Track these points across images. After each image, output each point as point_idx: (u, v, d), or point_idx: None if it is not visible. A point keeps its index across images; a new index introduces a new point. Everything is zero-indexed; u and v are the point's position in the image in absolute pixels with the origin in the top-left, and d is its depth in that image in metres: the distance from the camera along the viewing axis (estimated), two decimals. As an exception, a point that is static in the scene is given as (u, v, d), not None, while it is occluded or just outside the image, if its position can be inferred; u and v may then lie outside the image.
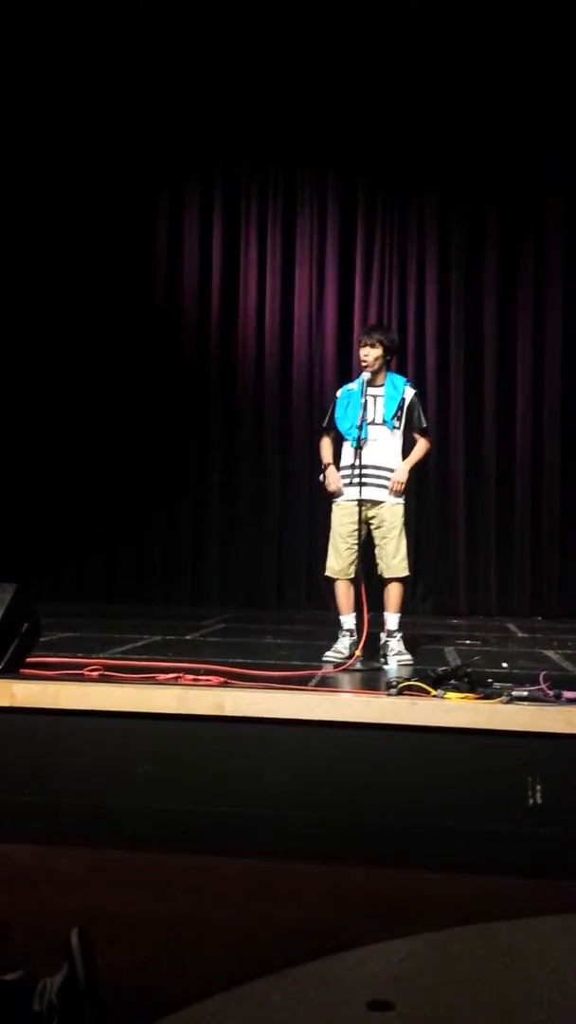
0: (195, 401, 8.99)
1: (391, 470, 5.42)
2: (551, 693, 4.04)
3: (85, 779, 3.98)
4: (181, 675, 4.49)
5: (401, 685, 4.14)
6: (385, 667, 5.17)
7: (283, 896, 3.24)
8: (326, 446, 5.60)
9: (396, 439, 5.50)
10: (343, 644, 5.35)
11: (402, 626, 5.46)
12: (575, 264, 8.69)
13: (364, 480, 5.31)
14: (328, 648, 5.39)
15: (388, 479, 5.40)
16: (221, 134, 8.89)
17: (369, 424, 5.38)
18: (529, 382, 8.68)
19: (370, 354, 5.49)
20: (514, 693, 4.00)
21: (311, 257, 8.95)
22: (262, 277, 9.01)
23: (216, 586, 8.86)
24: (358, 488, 5.30)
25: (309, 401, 8.80)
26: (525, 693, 4.03)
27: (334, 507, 5.52)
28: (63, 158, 8.89)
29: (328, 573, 5.55)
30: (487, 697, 4.00)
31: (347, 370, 8.30)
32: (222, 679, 4.43)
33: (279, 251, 8.98)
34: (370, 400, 5.43)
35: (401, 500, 5.49)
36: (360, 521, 5.32)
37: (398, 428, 5.50)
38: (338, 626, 5.47)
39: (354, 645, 5.24)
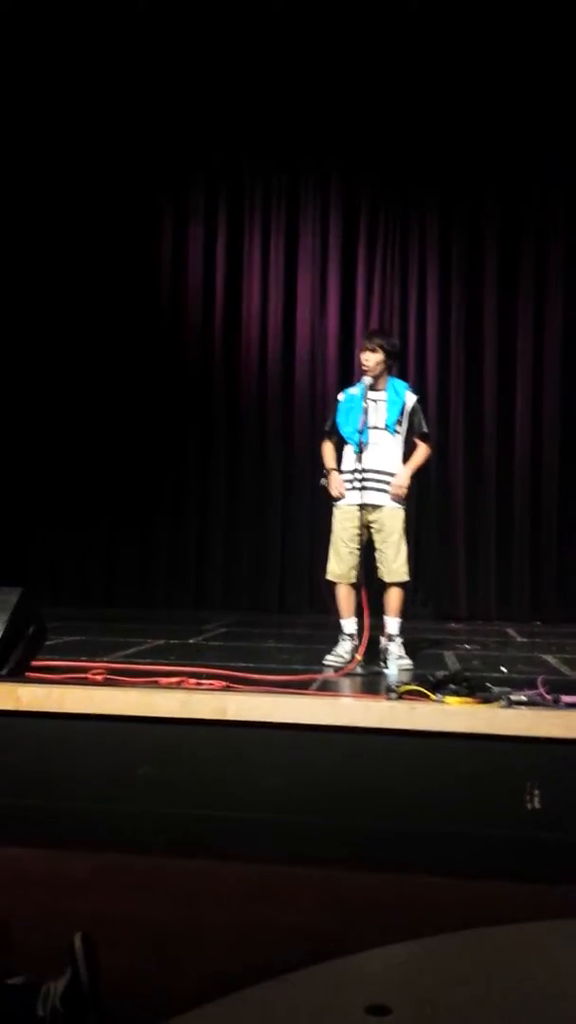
0: (198, 405, 9.03)
1: (392, 474, 5.45)
2: (550, 697, 4.06)
3: (88, 783, 4.01)
4: (184, 679, 4.52)
5: (401, 689, 4.16)
6: (385, 671, 5.19)
7: (283, 900, 3.26)
8: (328, 450, 5.62)
9: (397, 444, 5.53)
10: (344, 648, 5.37)
11: (402, 630, 5.48)
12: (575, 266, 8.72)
13: (365, 484, 5.34)
14: (329, 652, 5.41)
15: (389, 483, 5.43)
16: (224, 138, 8.92)
17: (371, 429, 5.41)
18: (529, 386, 8.71)
19: (371, 359, 5.51)
20: (513, 698, 4.01)
21: (313, 260, 8.98)
22: (265, 279, 9.04)
23: (219, 590, 8.88)
24: (359, 492, 5.33)
25: (311, 404, 8.83)
26: (524, 698, 4.04)
27: (335, 511, 5.54)
28: (67, 162, 8.92)
29: (329, 577, 5.57)
30: (486, 702, 4.02)
31: (349, 373, 8.33)
32: (224, 683, 4.46)
33: (282, 254, 9.01)
34: (371, 405, 5.46)
35: (402, 505, 5.52)
36: (361, 525, 5.35)
37: (399, 433, 5.53)
38: (339, 630, 5.49)
39: (354, 649, 5.27)
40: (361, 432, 5.34)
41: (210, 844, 3.76)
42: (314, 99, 8.65)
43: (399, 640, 5.41)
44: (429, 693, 4.10)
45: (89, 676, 4.57)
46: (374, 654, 5.34)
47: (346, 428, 5.50)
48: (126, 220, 9.00)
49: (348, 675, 5.03)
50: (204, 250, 9.11)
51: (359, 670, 5.05)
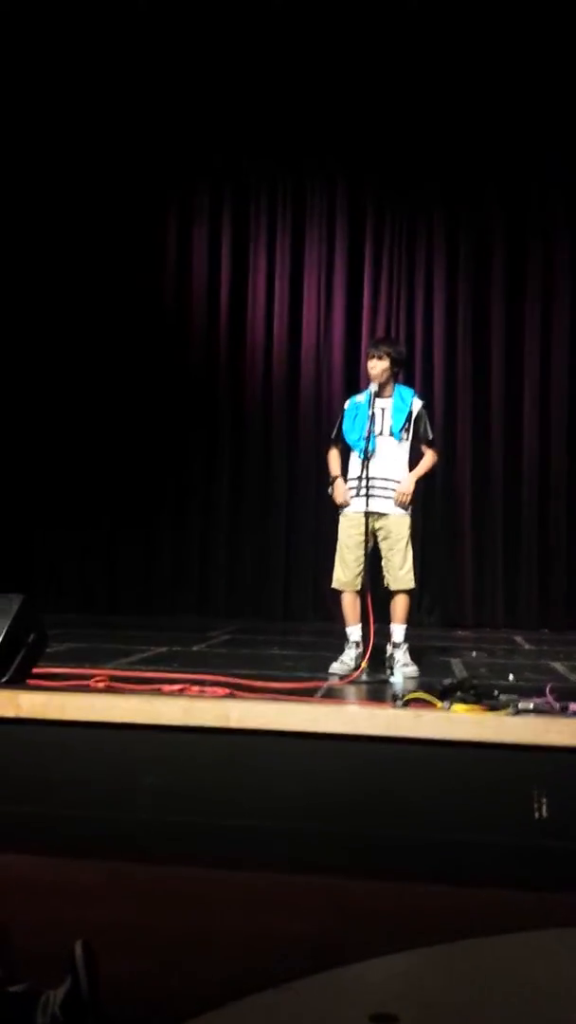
0: (202, 407, 9.02)
1: (398, 481, 5.44)
2: (557, 705, 4.02)
3: (89, 790, 3.98)
4: (187, 686, 4.50)
5: (407, 697, 4.13)
6: (391, 679, 5.16)
7: (287, 908, 3.23)
8: (334, 458, 5.61)
9: (403, 451, 5.51)
10: (349, 656, 5.35)
11: (408, 638, 5.46)
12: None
13: (371, 492, 5.32)
14: (334, 660, 5.38)
15: (395, 490, 5.41)
16: (228, 140, 8.93)
17: (377, 436, 5.40)
18: (537, 392, 8.69)
19: (377, 366, 5.51)
20: (520, 705, 3.98)
21: (319, 262, 8.99)
22: (271, 284, 9.05)
23: (223, 597, 8.86)
24: (365, 499, 5.31)
25: (316, 407, 8.82)
26: (531, 705, 4.00)
27: (341, 519, 5.53)
28: (73, 166, 8.94)
29: (335, 585, 5.55)
30: (493, 709, 3.98)
31: (355, 378, 8.33)
32: (228, 690, 4.43)
33: (288, 259, 9.02)
34: (378, 412, 5.45)
35: (408, 512, 5.49)
36: (367, 532, 5.33)
37: (406, 440, 5.52)
38: (344, 638, 5.47)
39: (360, 657, 5.24)
40: (367, 439, 5.32)
41: (213, 852, 3.73)
42: (317, 101, 8.66)
43: (405, 647, 5.39)
44: (435, 701, 4.07)
45: (91, 683, 4.54)
46: (380, 661, 5.31)
47: (352, 435, 5.50)
48: (131, 222, 9.01)
49: (353, 683, 5.02)
50: (209, 252, 9.12)
51: (364, 677, 5.04)
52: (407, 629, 5.46)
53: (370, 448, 5.34)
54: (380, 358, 5.51)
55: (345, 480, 5.51)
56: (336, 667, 5.31)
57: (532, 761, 3.79)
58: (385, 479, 5.40)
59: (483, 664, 5.97)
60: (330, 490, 5.59)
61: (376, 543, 5.48)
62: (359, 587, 5.40)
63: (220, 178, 9.09)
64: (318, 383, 8.90)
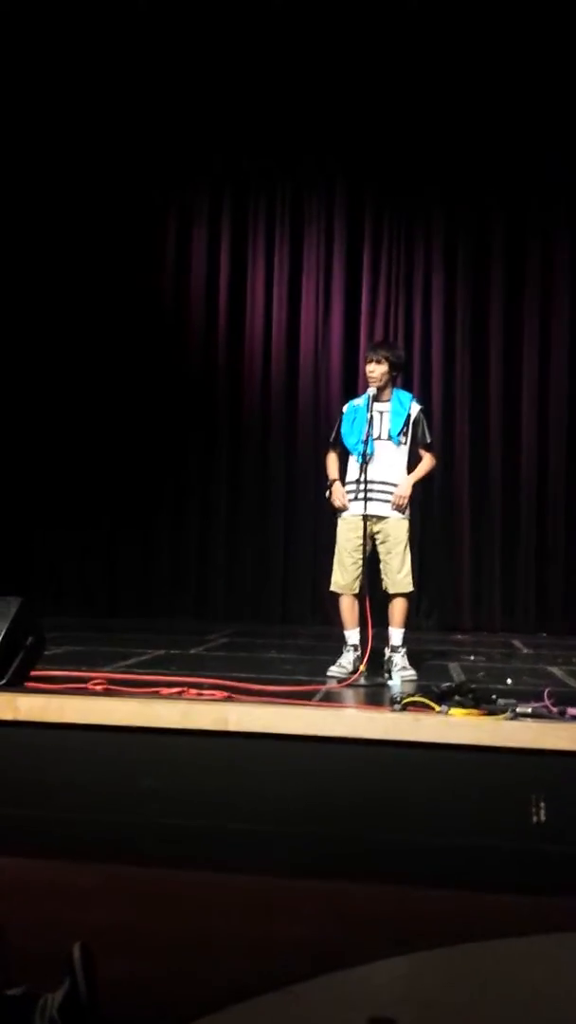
0: (200, 409, 9.00)
1: (396, 485, 5.43)
2: (555, 710, 4.03)
3: (88, 793, 3.98)
4: (185, 689, 4.49)
5: (405, 701, 4.13)
6: (389, 683, 5.15)
7: (286, 913, 3.23)
8: (332, 461, 5.61)
9: (402, 454, 5.51)
10: (347, 659, 5.34)
11: (406, 641, 5.45)
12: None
13: (369, 495, 5.33)
14: (332, 663, 5.38)
15: (393, 494, 5.41)
16: (228, 145, 8.92)
17: (375, 439, 5.40)
18: (535, 396, 8.67)
19: (376, 370, 5.50)
20: (518, 710, 3.98)
21: (318, 265, 8.97)
22: (269, 286, 9.03)
23: (221, 599, 8.85)
24: (363, 503, 5.31)
25: (315, 409, 8.81)
26: (529, 710, 4.01)
27: (340, 522, 5.53)
28: (72, 167, 8.94)
29: (333, 588, 5.55)
30: (491, 714, 3.99)
31: (353, 381, 8.32)
32: (226, 694, 4.43)
33: (287, 261, 9.01)
34: (376, 415, 5.45)
35: (406, 515, 5.49)
36: (365, 536, 5.33)
37: (404, 444, 5.51)
38: (342, 641, 5.46)
39: (358, 660, 5.24)
40: (366, 443, 5.33)
41: (212, 856, 3.73)
42: (316, 103, 8.64)
43: (403, 651, 5.38)
44: (434, 704, 4.07)
45: (89, 686, 4.54)
46: (378, 665, 5.31)
47: (350, 439, 5.50)
48: (130, 223, 9.01)
49: (352, 686, 5.00)
50: (208, 253, 9.11)
51: (363, 681, 5.03)
52: (405, 633, 5.45)
53: (368, 452, 5.34)
54: (379, 362, 5.51)
55: (344, 484, 5.51)
56: (334, 670, 5.30)
57: (530, 765, 3.79)
58: (383, 483, 5.40)
59: (481, 668, 5.97)
60: (328, 494, 5.59)
61: (375, 547, 5.48)
62: (357, 590, 5.40)
63: (220, 180, 9.08)
64: (316, 386, 8.90)
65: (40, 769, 4.08)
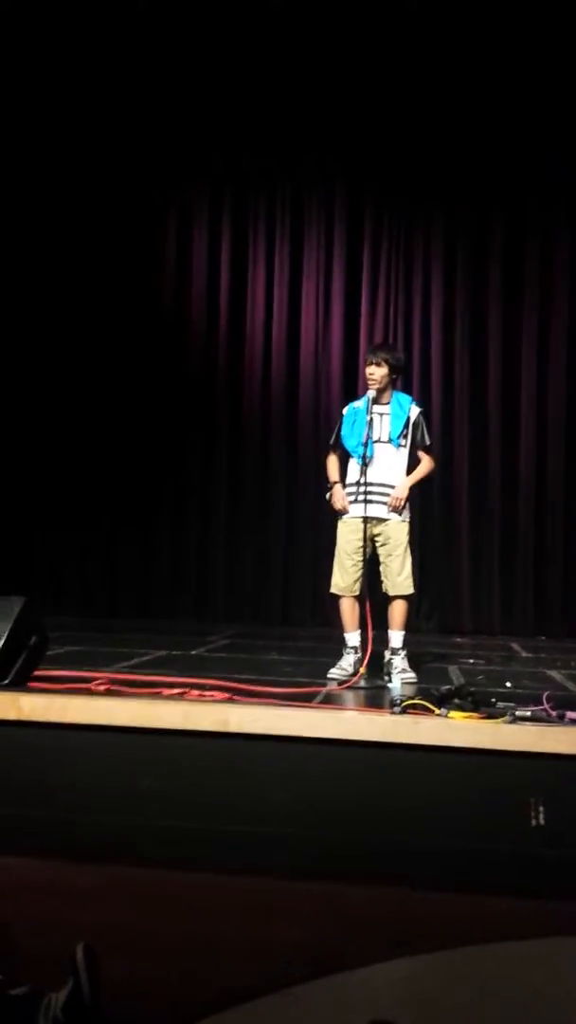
0: (200, 411, 9.00)
1: (396, 487, 5.44)
2: (554, 713, 4.04)
3: (90, 793, 3.99)
4: (186, 690, 4.51)
5: (405, 703, 4.14)
6: (389, 685, 5.18)
7: (286, 914, 3.24)
8: (332, 464, 5.62)
9: (401, 457, 5.52)
10: (347, 661, 5.36)
11: (406, 644, 5.46)
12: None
13: (369, 497, 5.34)
14: (332, 665, 5.39)
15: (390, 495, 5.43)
16: (228, 145, 8.92)
17: (375, 442, 5.42)
18: (534, 399, 8.68)
19: (376, 373, 5.52)
20: (517, 713, 4.00)
21: (318, 269, 8.98)
22: (269, 288, 9.03)
23: (222, 600, 8.86)
24: (363, 505, 5.33)
25: (315, 411, 8.81)
26: (528, 713, 4.03)
27: (340, 524, 5.54)
28: (72, 168, 8.93)
29: (333, 590, 5.56)
30: (490, 717, 4.00)
31: (353, 383, 8.33)
32: (227, 695, 4.44)
33: (287, 263, 9.01)
34: (376, 418, 5.46)
35: (406, 517, 5.50)
36: (365, 538, 5.34)
37: (404, 446, 5.52)
38: (342, 643, 5.48)
39: (358, 663, 5.26)
40: (365, 445, 5.34)
41: (212, 857, 3.74)
42: (316, 104, 8.63)
43: (403, 653, 5.39)
44: (433, 707, 4.09)
45: (91, 686, 4.56)
46: (378, 667, 5.33)
47: (350, 441, 5.51)
48: (130, 224, 9.00)
49: (351, 688, 5.02)
50: (208, 254, 9.11)
51: (363, 683, 5.05)
52: (405, 635, 5.47)
53: (368, 454, 5.36)
54: (378, 364, 5.53)
55: (344, 486, 5.52)
56: (334, 672, 5.31)
57: (529, 769, 3.81)
58: (383, 485, 5.42)
59: (480, 671, 5.99)
60: (329, 496, 5.60)
61: (375, 549, 5.50)
62: (358, 592, 5.41)
63: (220, 180, 9.08)
64: (316, 388, 8.90)
65: (42, 769, 4.09)
